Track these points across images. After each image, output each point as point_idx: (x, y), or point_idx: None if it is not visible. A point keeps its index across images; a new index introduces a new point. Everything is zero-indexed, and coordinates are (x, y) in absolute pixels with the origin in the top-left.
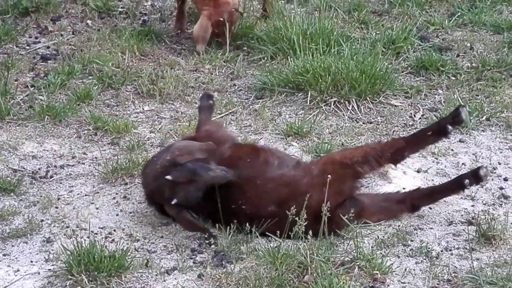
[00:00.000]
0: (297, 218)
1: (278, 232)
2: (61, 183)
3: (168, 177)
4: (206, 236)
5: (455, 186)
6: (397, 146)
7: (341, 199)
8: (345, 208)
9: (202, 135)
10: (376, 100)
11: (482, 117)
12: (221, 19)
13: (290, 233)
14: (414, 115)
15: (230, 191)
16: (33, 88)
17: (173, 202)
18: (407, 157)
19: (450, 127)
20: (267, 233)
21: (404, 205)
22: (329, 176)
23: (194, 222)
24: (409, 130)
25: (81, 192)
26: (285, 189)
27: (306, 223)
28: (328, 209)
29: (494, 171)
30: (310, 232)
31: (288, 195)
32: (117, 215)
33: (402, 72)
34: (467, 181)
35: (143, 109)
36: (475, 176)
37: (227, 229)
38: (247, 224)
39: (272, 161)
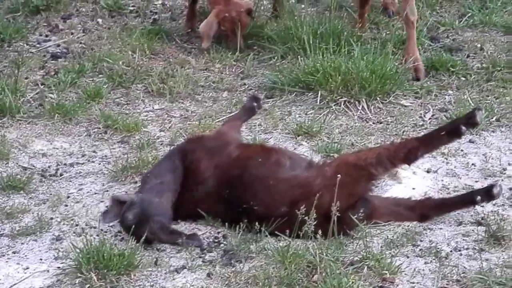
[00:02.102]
0: (307, 218)
1: (289, 231)
2: (70, 181)
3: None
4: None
5: (466, 201)
6: (411, 146)
7: (354, 201)
8: (356, 208)
9: (212, 134)
10: (386, 100)
11: (492, 118)
12: (227, 14)
13: (299, 232)
14: (424, 116)
15: (241, 190)
16: (43, 86)
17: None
18: (421, 157)
19: (463, 127)
20: (277, 232)
21: (413, 213)
22: (342, 177)
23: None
24: (419, 130)
25: (90, 190)
26: (298, 190)
27: (318, 223)
28: (340, 209)
29: (504, 171)
30: (322, 233)
31: (301, 196)
32: None
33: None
34: (478, 198)
35: (153, 107)
36: (488, 194)
37: (237, 228)
38: (258, 224)
39: (284, 162)
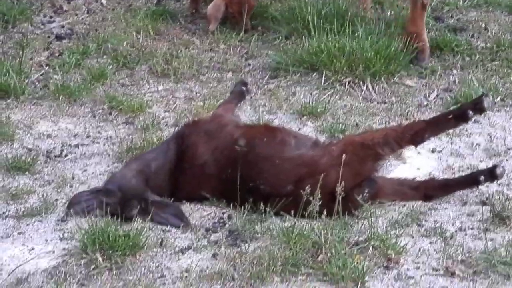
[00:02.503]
0: (312, 198)
1: (294, 211)
2: (75, 162)
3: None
4: None
5: (470, 181)
6: (418, 128)
7: (360, 180)
8: (361, 188)
9: (208, 117)
10: (390, 80)
11: (497, 98)
12: None
13: (304, 212)
14: (429, 96)
15: (246, 169)
16: (47, 67)
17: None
18: (427, 139)
19: (471, 112)
20: (282, 212)
21: (417, 192)
22: (348, 156)
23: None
24: (424, 110)
25: (95, 171)
26: (304, 169)
27: (324, 202)
28: (345, 189)
29: (509, 151)
30: (327, 212)
31: (306, 175)
32: None
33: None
34: (482, 177)
35: (157, 88)
36: (491, 174)
37: (242, 208)
38: (263, 204)
39: (289, 141)
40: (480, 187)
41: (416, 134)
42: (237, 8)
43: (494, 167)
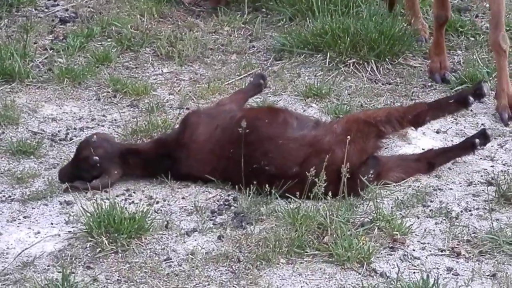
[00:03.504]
0: (317, 180)
1: (300, 193)
2: None
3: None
4: None
5: (467, 146)
6: (420, 110)
7: (365, 157)
8: (367, 166)
9: (213, 105)
10: (395, 61)
11: None
12: None
13: (310, 194)
14: None
15: (250, 150)
16: (52, 51)
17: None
18: (428, 122)
19: (471, 98)
20: (287, 194)
21: (420, 163)
22: (353, 134)
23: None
24: (428, 91)
25: None
26: (308, 149)
27: (330, 181)
28: (351, 167)
29: None
30: (334, 192)
31: (312, 155)
32: (136, 176)
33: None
34: (477, 141)
35: (162, 71)
36: (484, 136)
37: (247, 190)
38: (268, 185)
39: (292, 122)
40: (485, 167)
41: (418, 115)
42: None
43: (484, 129)
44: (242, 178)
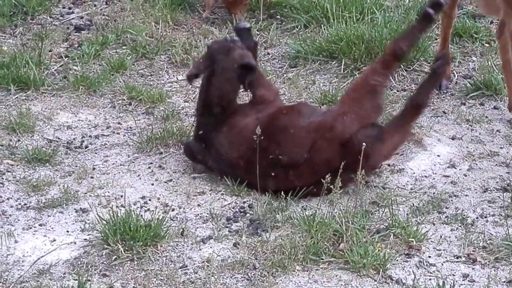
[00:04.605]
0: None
1: (315, 188)
2: (96, 153)
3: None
4: None
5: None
6: (393, 46)
7: (366, 123)
8: (369, 129)
9: (258, 101)
10: (410, 68)
11: None
12: None
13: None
14: (449, 82)
15: (265, 143)
16: (67, 58)
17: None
18: (408, 51)
19: (430, 10)
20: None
21: (412, 111)
22: (347, 104)
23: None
24: (443, 97)
25: (116, 162)
26: (314, 134)
27: (337, 157)
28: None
29: None
30: (345, 168)
31: (317, 138)
32: (152, 184)
33: (436, 39)
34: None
35: (177, 78)
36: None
37: (263, 197)
38: (284, 174)
39: (305, 112)
40: (500, 173)
41: (394, 50)
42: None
43: None
44: (259, 173)
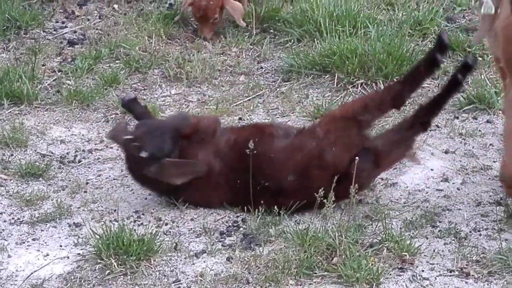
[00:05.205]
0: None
1: (307, 203)
2: (89, 167)
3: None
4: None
5: (453, 85)
6: (396, 90)
7: (354, 152)
8: (359, 160)
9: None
10: None
11: None
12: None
13: (321, 198)
14: None
15: (250, 172)
16: (60, 73)
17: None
18: (407, 99)
19: (438, 54)
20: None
21: (415, 128)
22: (334, 134)
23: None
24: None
25: (109, 176)
26: (297, 155)
27: (329, 187)
28: (344, 167)
29: None
30: (338, 195)
31: (303, 160)
32: (145, 198)
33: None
34: (460, 76)
35: (170, 92)
36: (465, 67)
37: (255, 212)
38: (275, 201)
39: (277, 133)
40: (493, 187)
41: (395, 96)
42: (194, 11)
43: (465, 58)
44: (250, 201)
